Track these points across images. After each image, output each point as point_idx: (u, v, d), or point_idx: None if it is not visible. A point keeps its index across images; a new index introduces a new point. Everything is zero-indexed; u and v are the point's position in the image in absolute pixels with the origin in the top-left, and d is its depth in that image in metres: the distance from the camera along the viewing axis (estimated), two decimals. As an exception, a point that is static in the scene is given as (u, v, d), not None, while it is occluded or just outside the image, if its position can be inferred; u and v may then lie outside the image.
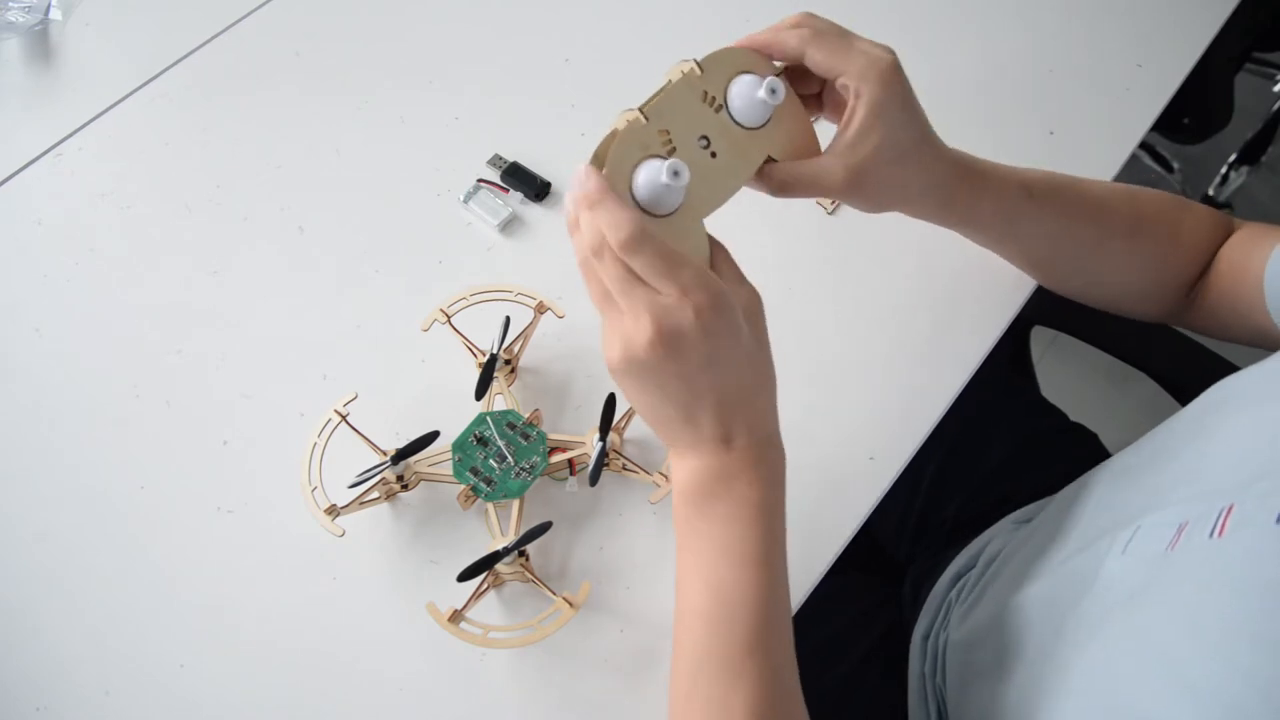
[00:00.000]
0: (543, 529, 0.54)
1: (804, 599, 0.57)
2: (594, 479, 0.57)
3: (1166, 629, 0.39)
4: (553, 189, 0.74)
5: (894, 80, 0.48)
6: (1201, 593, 0.39)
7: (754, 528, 0.46)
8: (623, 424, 0.60)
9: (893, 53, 0.49)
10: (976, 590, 0.64)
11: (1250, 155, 1.57)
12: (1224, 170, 1.57)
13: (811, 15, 0.50)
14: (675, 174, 0.43)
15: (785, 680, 0.45)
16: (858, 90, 0.48)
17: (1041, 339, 0.90)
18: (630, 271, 0.42)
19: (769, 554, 0.46)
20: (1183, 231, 0.60)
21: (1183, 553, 0.41)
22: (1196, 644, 0.37)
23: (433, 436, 0.57)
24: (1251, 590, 0.37)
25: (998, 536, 0.68)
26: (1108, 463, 0.58)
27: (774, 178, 0.49)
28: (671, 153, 0.46)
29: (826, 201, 0.70)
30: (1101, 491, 0.55)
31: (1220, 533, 0.40)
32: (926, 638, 0.67)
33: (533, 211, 0.73)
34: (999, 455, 0.78)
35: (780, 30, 0.49)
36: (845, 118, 0.49)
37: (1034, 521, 0.64)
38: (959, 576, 0.68)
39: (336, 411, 0.58)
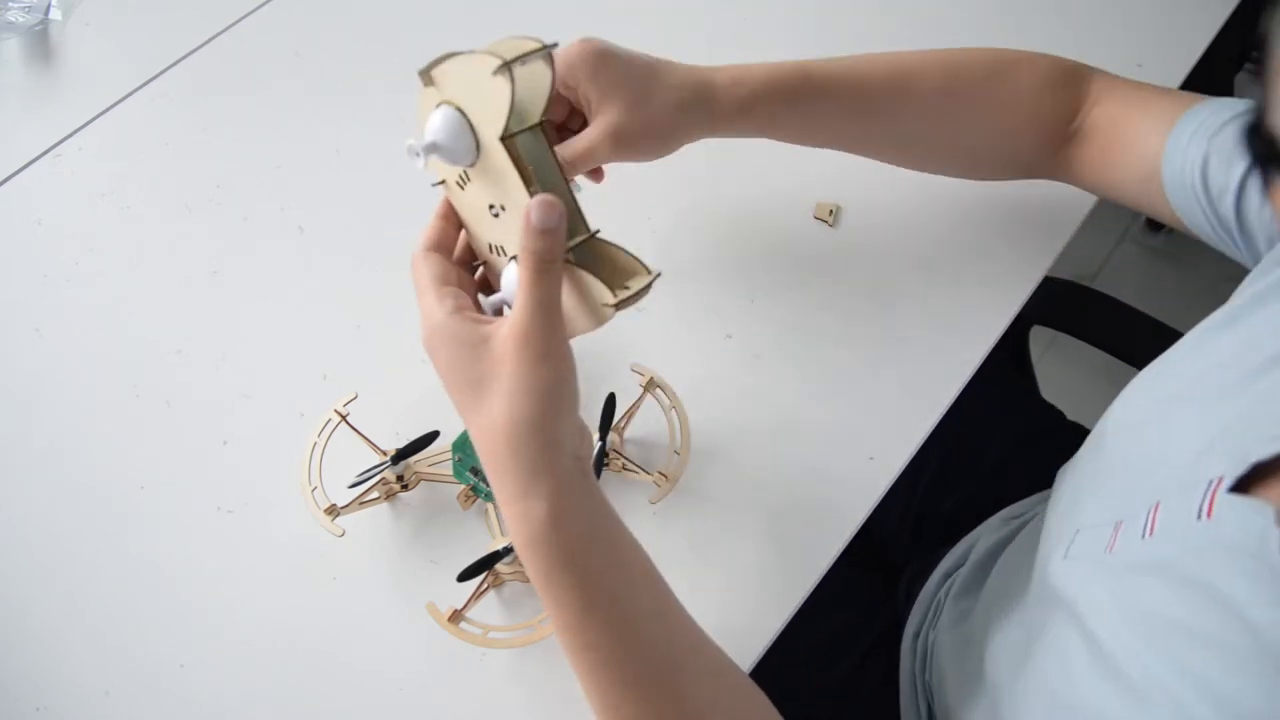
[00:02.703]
0: (543, 529, 0.54)
1: (804, 599, 0.57)
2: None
3: (1109, 630, 0.39)
4: (553, 189, 0.73)
5: (586, 56, 0.54)
6: (1137, 593, 0.39)
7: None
8: (623, 424, 0.60)
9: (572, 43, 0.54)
10: (962, 590, 0.64)
11: (1250, 155, 1.57)
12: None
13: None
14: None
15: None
16: (574, 84, 0.54)
17: (1041, 339, 0.89)
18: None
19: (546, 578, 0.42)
20: (1015, 86, 0.59)
21: (1119, 555, 0.42)
22: (1136, 643, 0.38)
23: (433, 436, 0.57)
24: (1184, 588, 0.37)
25: (985, 534, 0.68)
26: (1069, 463, 0.58)
27: (564, 162, 0.52)
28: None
29: (826, 215, 0.70)
30: (1057, 497, 0.55)
31: (1150, 532, 0.40)
32: (917, 636, 0.67)
33: (533, 211, 0.73)
34: (998, 455, 0.78)
35: None
36: (581, 102, 0.55)
37: (1020, 520, 0.64)
38: (948, 574, 0.69)
39: (336, 411, 0.58)
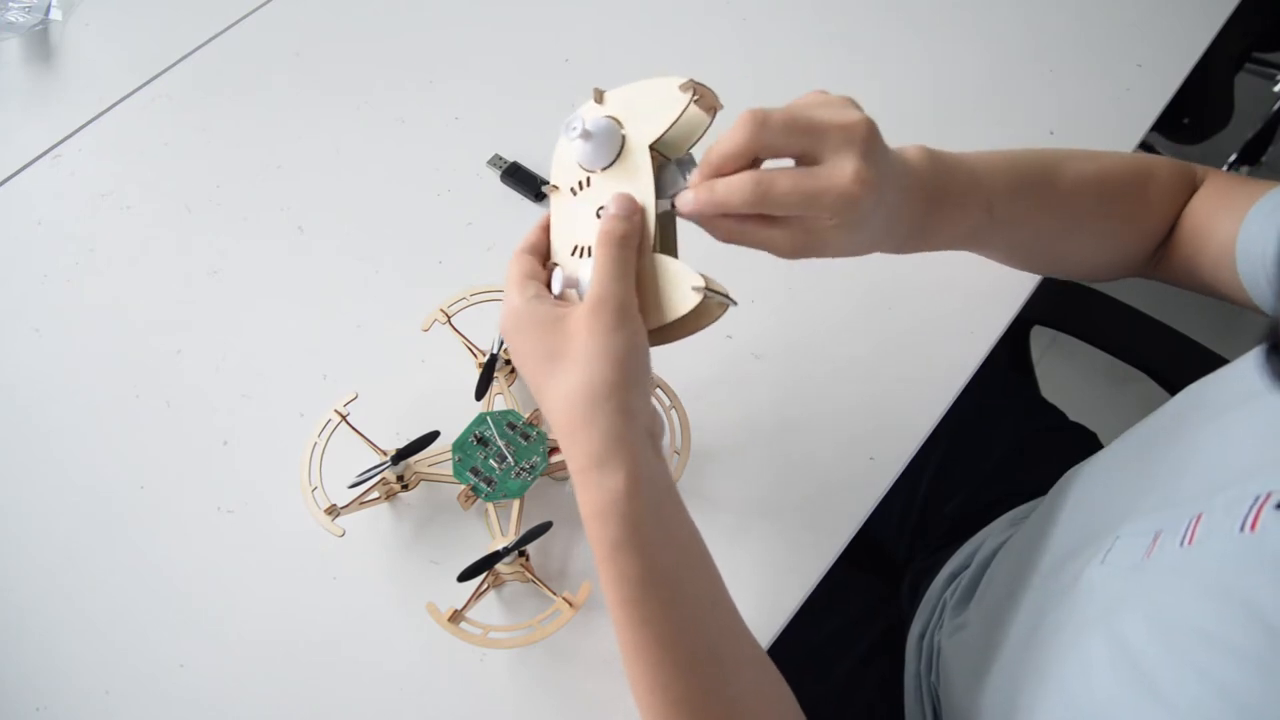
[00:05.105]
0: (543, 529, 0.54)
1: (804, 599, 0.57)
2: (594, 479, 0.57)
3: (1141, 638, 0.39)
4: (553, 189, 0.74)
5: (872, 148, 0.44)
6: (1172, 602, 0.39)
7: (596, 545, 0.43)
8: (623, 424, 0.60)
9: (862, 113, 0.44)
10: (967, 592, 0.64)
11: (1250, 155, 1.57)
12: (1224, 170, 1.57)
13: (761, 112, 0.43)
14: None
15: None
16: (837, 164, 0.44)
17: (1041, 339, 0.90)
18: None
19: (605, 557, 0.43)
20: (1149, 201, 0.59)
21: (1156, 562, 0.42)
22: (1167, 653, 0.37)
23: (433, 436, 0.57)
24: (1219, 598, 0.37)
25: (991, 537, 0.68)
26: (1086, 464, 0.58)
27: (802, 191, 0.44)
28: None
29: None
30: (1080, 498, 0.55)
31: (1190, 541, 0.40)
32: (922, 637, 0.67)
33: (533, 211, 0.73)
34: (999, 455, 0.78)
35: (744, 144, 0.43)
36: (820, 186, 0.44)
37: (1023, 525, 0.64)
38: (954, 576, 0.69)
39: (336, 411, 0.58)
